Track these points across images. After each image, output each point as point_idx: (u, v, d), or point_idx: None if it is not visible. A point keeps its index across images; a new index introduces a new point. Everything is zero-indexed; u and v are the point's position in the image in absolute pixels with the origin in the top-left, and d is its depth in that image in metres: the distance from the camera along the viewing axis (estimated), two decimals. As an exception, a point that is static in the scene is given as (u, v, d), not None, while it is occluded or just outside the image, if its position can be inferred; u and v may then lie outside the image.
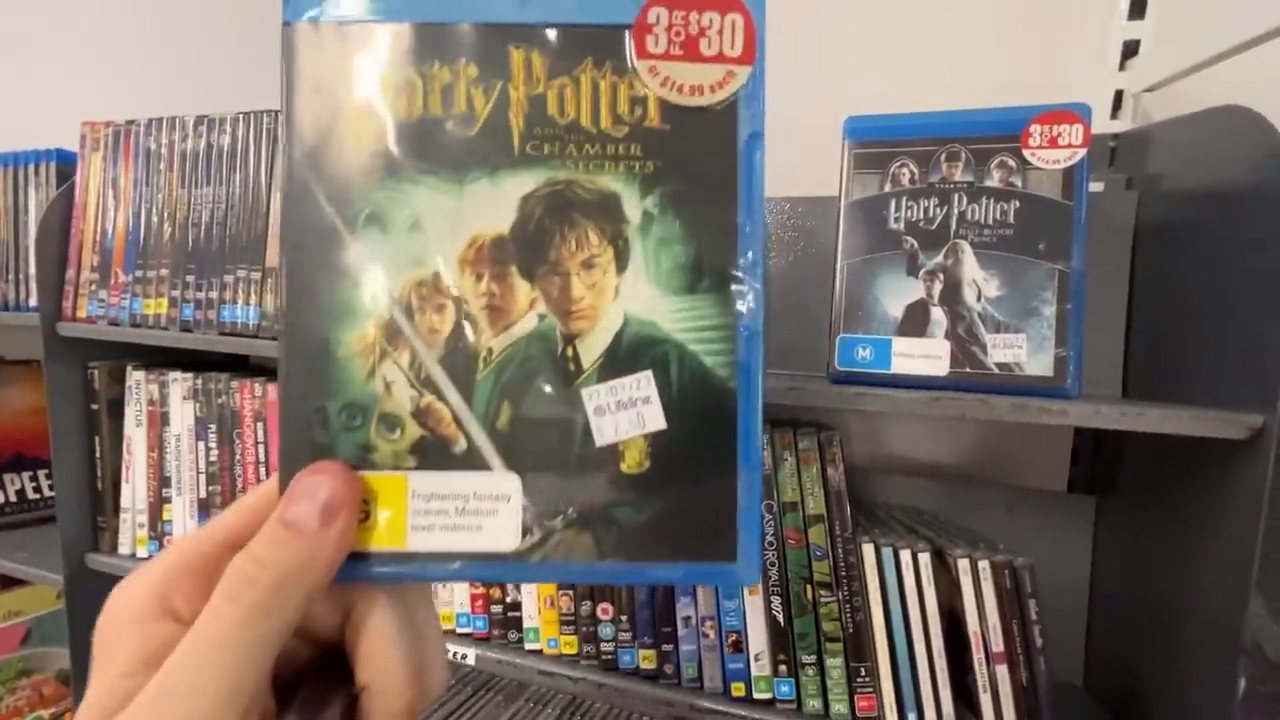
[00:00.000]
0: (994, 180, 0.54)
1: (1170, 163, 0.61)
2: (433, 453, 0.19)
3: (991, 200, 0.54)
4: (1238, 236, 0.49)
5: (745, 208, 0.20)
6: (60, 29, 1.30)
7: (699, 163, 0.20)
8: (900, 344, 0.55)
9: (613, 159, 0.19)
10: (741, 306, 0.19)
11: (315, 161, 0.19)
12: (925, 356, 0.54)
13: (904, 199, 0.56)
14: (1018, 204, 0.53)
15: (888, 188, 0.56)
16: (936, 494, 0.75)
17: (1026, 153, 0.53)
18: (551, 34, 0.20)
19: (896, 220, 0.56)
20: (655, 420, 0.19)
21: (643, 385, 0.19)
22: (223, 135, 0.79)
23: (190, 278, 0.80)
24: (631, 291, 0.20)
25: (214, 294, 0.78)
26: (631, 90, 0.20)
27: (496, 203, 0.19)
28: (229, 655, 0.17)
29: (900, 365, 0.55)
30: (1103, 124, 0.74)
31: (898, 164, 0.56)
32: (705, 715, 0.61)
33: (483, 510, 0.19)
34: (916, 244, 0.55)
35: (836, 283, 0.57)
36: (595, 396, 0.19)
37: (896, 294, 0.55)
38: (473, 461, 0.19)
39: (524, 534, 0.19)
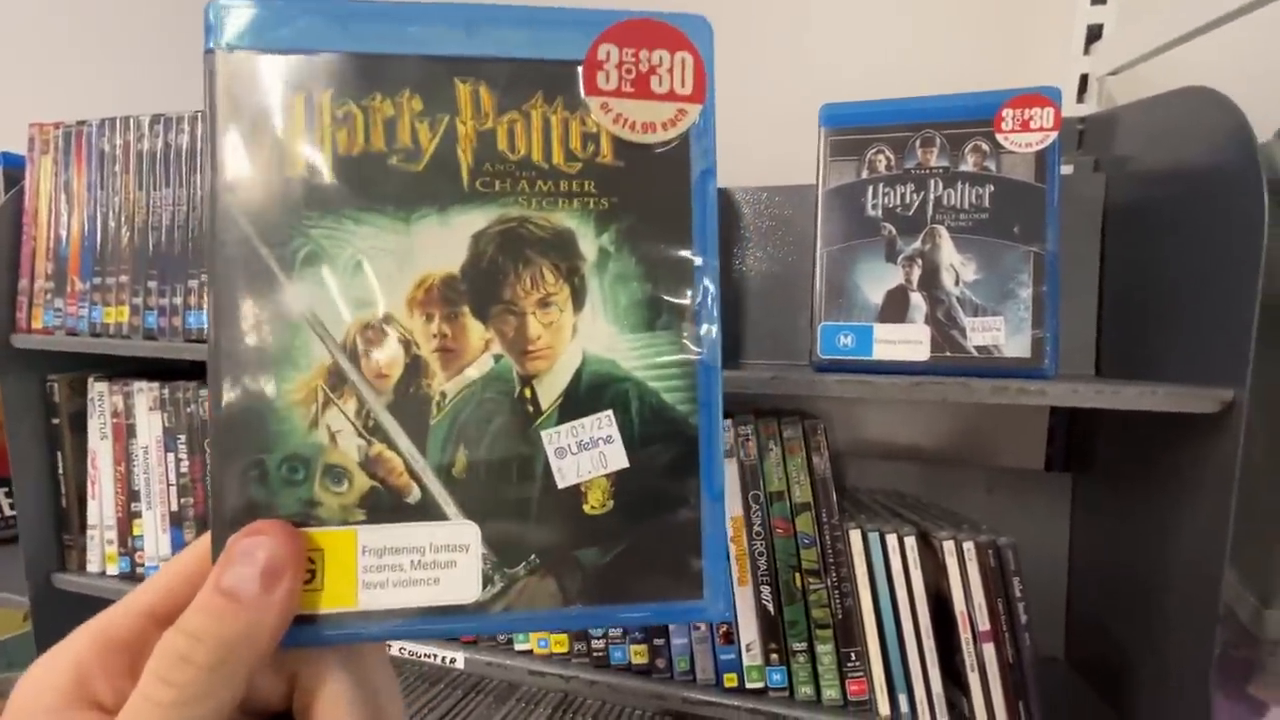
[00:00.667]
0: (969, 165, 0.54)
1: (1136, 144, 0.62)
2: (384, 504, 0.18)
3: (967, 185, 0.54)
4: (1203, 215, 0.50)
5: (700, 243, 0.20)
6: (3, 26, 1.24)
7: (653, 199, 0.19)
8: (881, 330, 0.55)
9: (566, 195, 0.19)
10: (699, 343, 0.19)
11: (245, 198, 0.18)
12: (906, 342, 0.54)
13: (881, 185, 0.56)
14: (992, 188, 0.53)
15: (865, 174, 0.56)
16: (918, 477, 0.76)
17: (1000, 136, 0.53)
18: (500, 68, 0.19)
19: (874, 207, 0.56)
20: (618, 459, 0.19)
21: (604, 424, 0.19)
22: (181, 134, 0.76)
23: (152, 283, 0.77)
24: (589, 330, 0.19)
25: (178, 300, 0.76)
26: (584, 126, 0.19)
27: (446, 241, 0.19)
28: (204, 664, 0.15)
29: (882, 351, 0.55)
30: (1069, 108, 0.76)
31: (874, 150, 0.56)
32: (698, 707, 0.61)
33: (439, 562, 0.18)
34: (895, 230, 0.55)
35: (817, 271, 0.57)
36: (556, 438, 0.19)
37: (876, 280, 0.56)
38: (428, 512, 0.18)
39: (485, 584, 0.18)
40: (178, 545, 0.82)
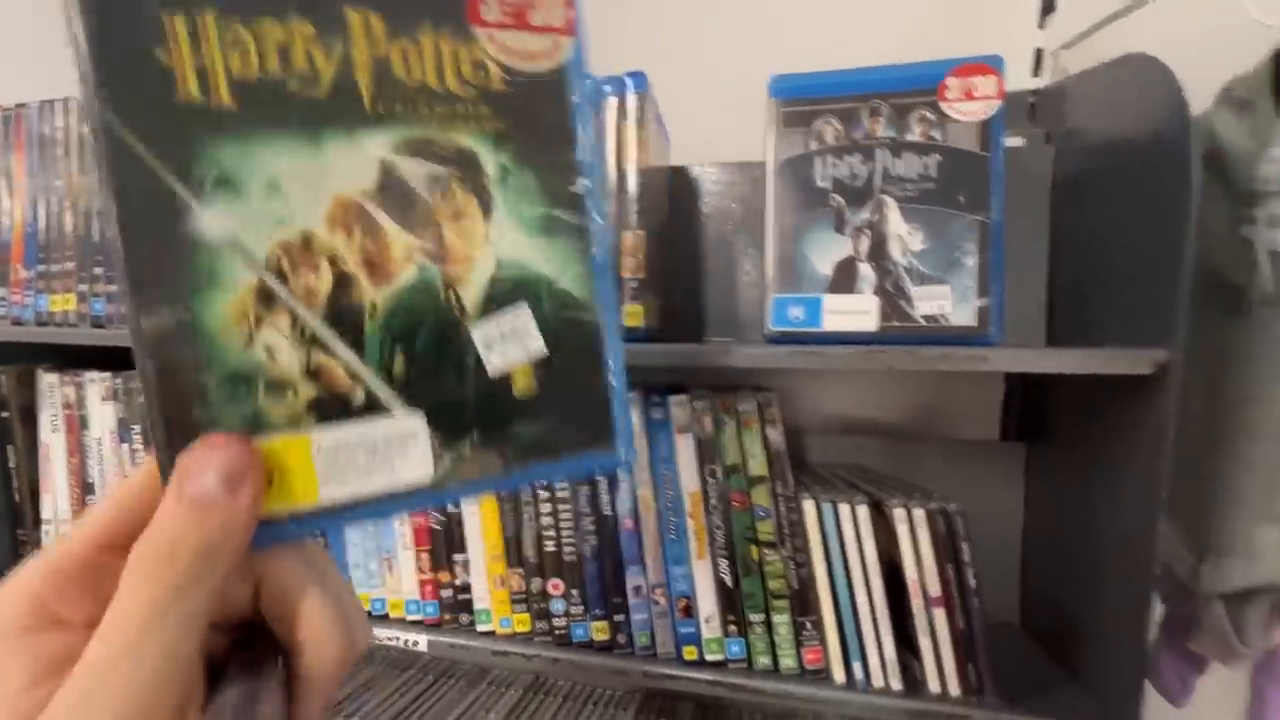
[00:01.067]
0: (915, 135, 0.54)
1: (1083, 116, 0.63)
2: (330, 408, 0.19)
3: (913, 155, 0.54)
4: (1139, 182, 0.51)
5: (584, 165, 0.22)
6: (-60, 9, 1.19)
7: (539, 125, 0.21)
8: (831, 301, 0.55)
9: (464, 118, 0.21)
10: (593, 244, 0.22)
11: (138, 127, 0.18)
12: (854, 312, 0.55)
13: (829, 156, 0.56)
14: (938, 157, 0.54)
15: (813, 146, 0.56)
16: (877, 450, 0.77)
17: (944, 106, 0.53)
18: None
19: (823, 178, 0.56)
20: (537, 346, 0.22)
21: (521, 317, 0.21)
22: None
23: (99, 270, 0.75)
24: (500, 237, 0.21)
25: (115, 287, 0.74)
26: (472, 55, 0.21)
27: (356, 161, 0.20)
28: (157, 636, 0.16)
29: (831, 323, 0.55)
30: (1025, 81, 0.76)
31: (822, 121, 0.56)
32: (660, 681, 0.62)
33: (392, 451, 0.20)
34: (843, 201, 0.55)
35: (768, 244, 0.57)
36: (482, 333, 0.21)
37: (826, 252, 0.56)
38: (375, 408, 0.20)
39: (435, 463, 0.20)
40: (135, 537, 0.81)
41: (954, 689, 0.56)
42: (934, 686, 0.56)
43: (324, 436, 0.19)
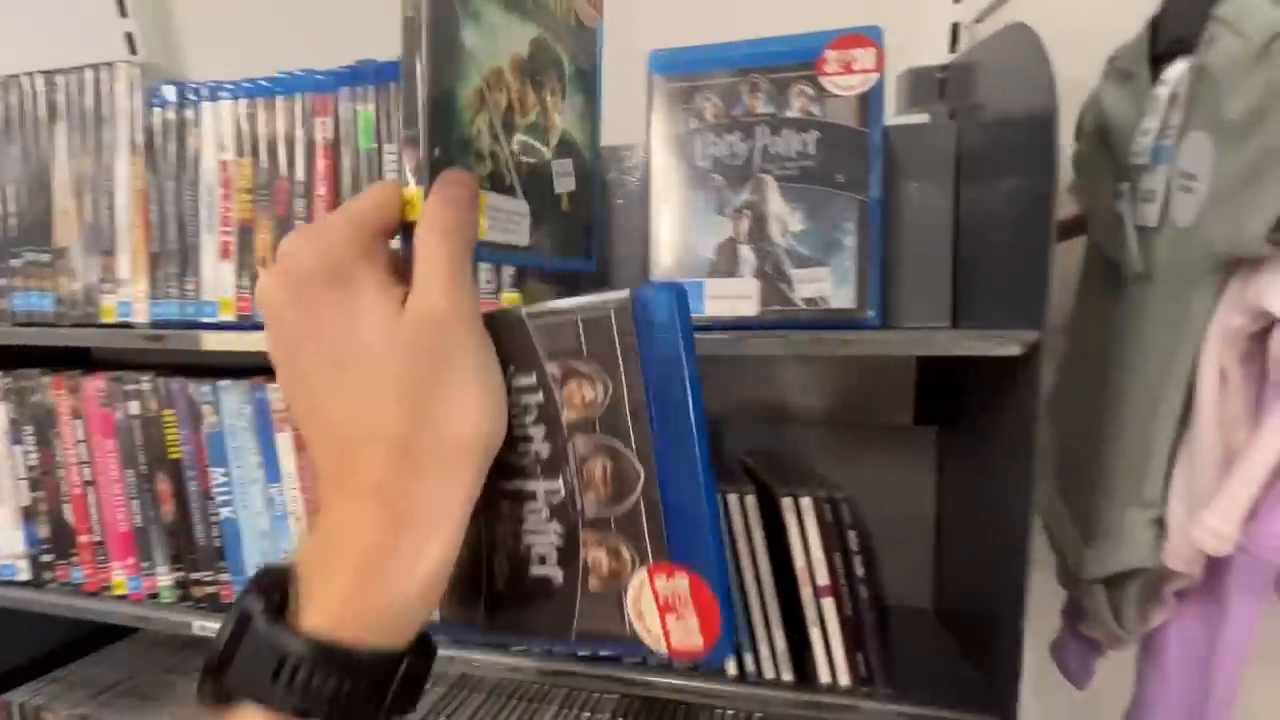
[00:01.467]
0: (794, 110, 0.52)
1: (981, 90, 0.61)
2: (497, 182, 0.30)
3: (793, 131, 0.52)
4: (1016, 159, 0.49)
5: (596, 87, 0.37)
6: None
7: (582, 53, 0.36)
8: (712, 285, 0.53)
9: (560, 36, 0.34)
10: (596, 125, 0.37)
11: None
12: (735, 297, 0.53)
13: (709, 135, 0.54)
14: (817, 134, 0.52)
15: (693, 124, 0.54)
16: (795, 437, 0.76)
17: (823, 80, 0.51)
18: None
19: (703, 158, 0.54)
20: (571, 182, 0.35)
21: (570, 164, 0.35)
22: (-5, 102, 0.70)
23: (-22, 265, 0.72)
24: (565, 112, 0.35)
25: (3, 281, 0.70)
26: (573, 4, 0.35)
27: (521, 36, 0.32)
28: (463, 280, 0.25)
29: (713, 308, 0.53)
30: (942, 57, 0.74)
31: (702, 98, 0.54)
32: (553, 679, 0.60)
33: (513, 221, 0.31)
34: (724, 181, 0.53)
35: (651, 227, 0.55)
36: (556, 167, 0.34)
37: (707, 234, 0.54)
38: (514, 192, 0.31)
39: (530, 235, 0.32)
40: (33, 542, 0.78)
41: (844, 679, 0.55)
42: (825, 677, 0.55)
43: (492, 198, 0.30)
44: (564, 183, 0.34)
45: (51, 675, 0.89)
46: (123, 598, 0.75)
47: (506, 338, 0.28)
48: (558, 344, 0.29)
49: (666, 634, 0.28)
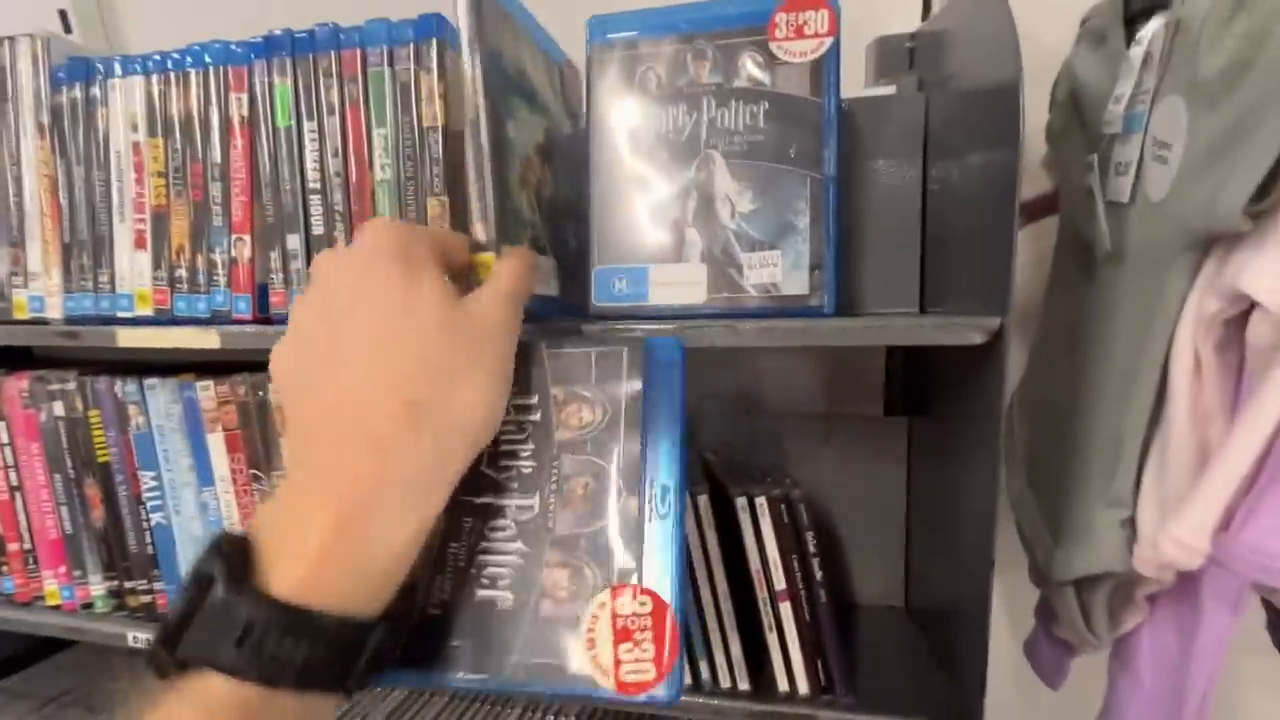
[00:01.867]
0: (742, 80, 0.48)
1: (950, 59, 0.57)
2: (535, 244, 0.39)
3: (741, 103, 0.48)
4: (982, 132, 0.46)
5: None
6: None
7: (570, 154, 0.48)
8: (657, 272, 0.50)
9: (558, 123, 0.47)
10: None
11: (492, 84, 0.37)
12: (682, 283, 0.49)
13: (652, 107, 0.49)
14: (767, 105, 0.48)
15: (636, 96, 0.50)
16: (760, 431, 0.72)
17: (774, 46, 0.47)
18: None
19: (647, 133, 0.50)
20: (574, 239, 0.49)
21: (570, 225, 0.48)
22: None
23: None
24: (550, 177, 0.45)
25: (-90, 275, 0.66)
26: (553, 80, 0.48)
27: (539, 127, 0.42)
28: (516, 312, 0.31)
29: (658, 295, 0.49)
30: (913, 25, 0.70)
31: (644, 68, 0.50)
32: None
33: (547, 274, 0.42)
34: (669, 158, 0.49)
35: (592, 209, 0.51)
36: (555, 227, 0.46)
37: (652, 216, 0.50)
38: (545, 251, 0.43)
39: (556, 285, 0.46)
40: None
41: (803, 688, 0.52)
42: (783, 685, 0.52)
43: (534, 258, 0.35)
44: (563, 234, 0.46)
45: (-8, 688, 0.86)
46: (56, 608, 0.71)
47: (520, 363, 0.31)
48: (567, 372, 0.31)
49: (617, 665, 0.27)
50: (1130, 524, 0.39)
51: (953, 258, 0.54)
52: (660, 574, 0.27)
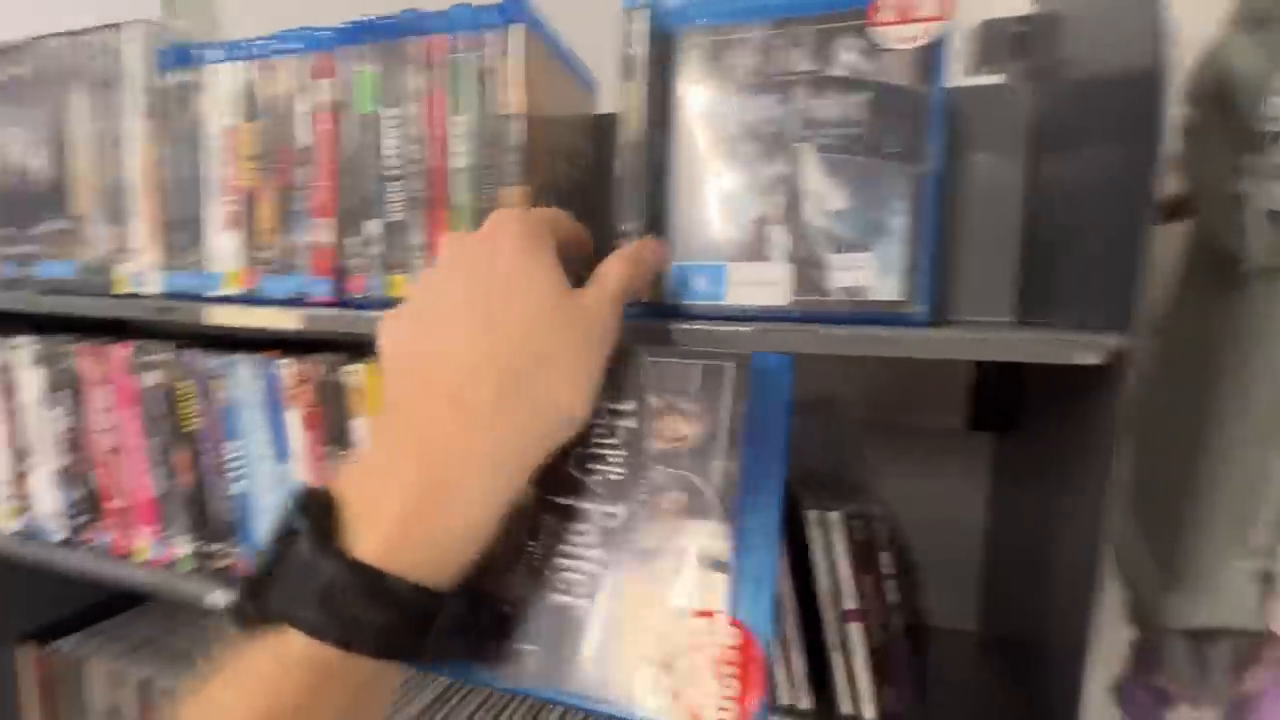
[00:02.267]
0: (839, 68, 0.45)
1: (1067, 45, 0.52)
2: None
3: (837, 93, 0.45)
4: (1111, 126, 0.41)
5: None
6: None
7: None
8: (735, 270, 0.47)
9: None
10: None
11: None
12: (763, 284, 0.47)
13: (740, 98, 0.47)
14: (866, 95, 0.44)
15: (722, 86, 0.47)
16: (834, 439, 0.69)
17: (875, 31, 0.44)
18: None
19: (733, 124, 0.47)
20: None
21: None
22: (19, 66, 0.69)
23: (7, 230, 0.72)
24: None
25: (28, 248, 0.71)
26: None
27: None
28: (620, 304, 0.32)
29: (737, 295, 0.47)
30: (1018, 6, 0.64)
31: (733, 55, 0.47)
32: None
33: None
34: (755, 151, 0.47)
35: (667, 203, 0.49)
36: None
37: (733, 212, 0.47)
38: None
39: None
40: (68, 504, 0.80)
41: (869, 713, 0.49)
42: (845, 708, 0.50)
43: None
44: None
45: (89, 630, 0.93)
46: (146, 563, 0.76)
47: (617, 366, 0.31)
48: (667, 382, 0.31)
49: (696, 700, 0.26)
50: (1267, 579, 0.35)
51: (1061, 263, 0.50)
52: (751, 607, 0.26)
